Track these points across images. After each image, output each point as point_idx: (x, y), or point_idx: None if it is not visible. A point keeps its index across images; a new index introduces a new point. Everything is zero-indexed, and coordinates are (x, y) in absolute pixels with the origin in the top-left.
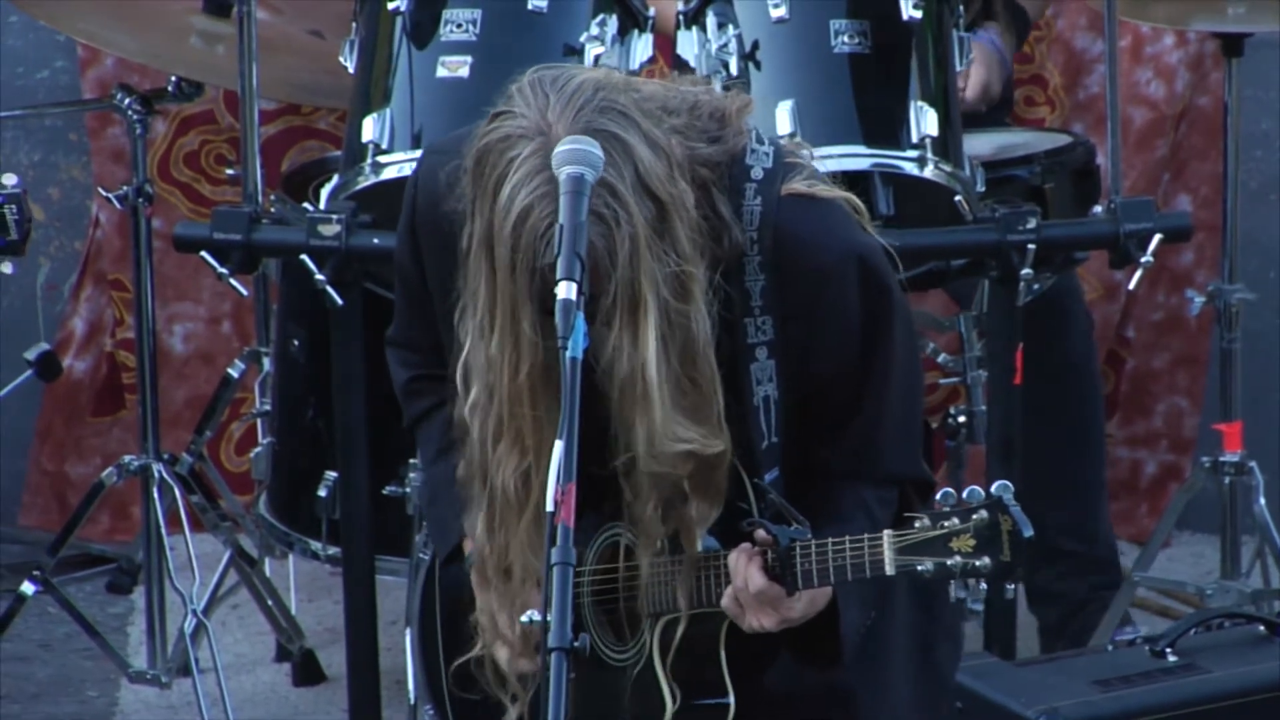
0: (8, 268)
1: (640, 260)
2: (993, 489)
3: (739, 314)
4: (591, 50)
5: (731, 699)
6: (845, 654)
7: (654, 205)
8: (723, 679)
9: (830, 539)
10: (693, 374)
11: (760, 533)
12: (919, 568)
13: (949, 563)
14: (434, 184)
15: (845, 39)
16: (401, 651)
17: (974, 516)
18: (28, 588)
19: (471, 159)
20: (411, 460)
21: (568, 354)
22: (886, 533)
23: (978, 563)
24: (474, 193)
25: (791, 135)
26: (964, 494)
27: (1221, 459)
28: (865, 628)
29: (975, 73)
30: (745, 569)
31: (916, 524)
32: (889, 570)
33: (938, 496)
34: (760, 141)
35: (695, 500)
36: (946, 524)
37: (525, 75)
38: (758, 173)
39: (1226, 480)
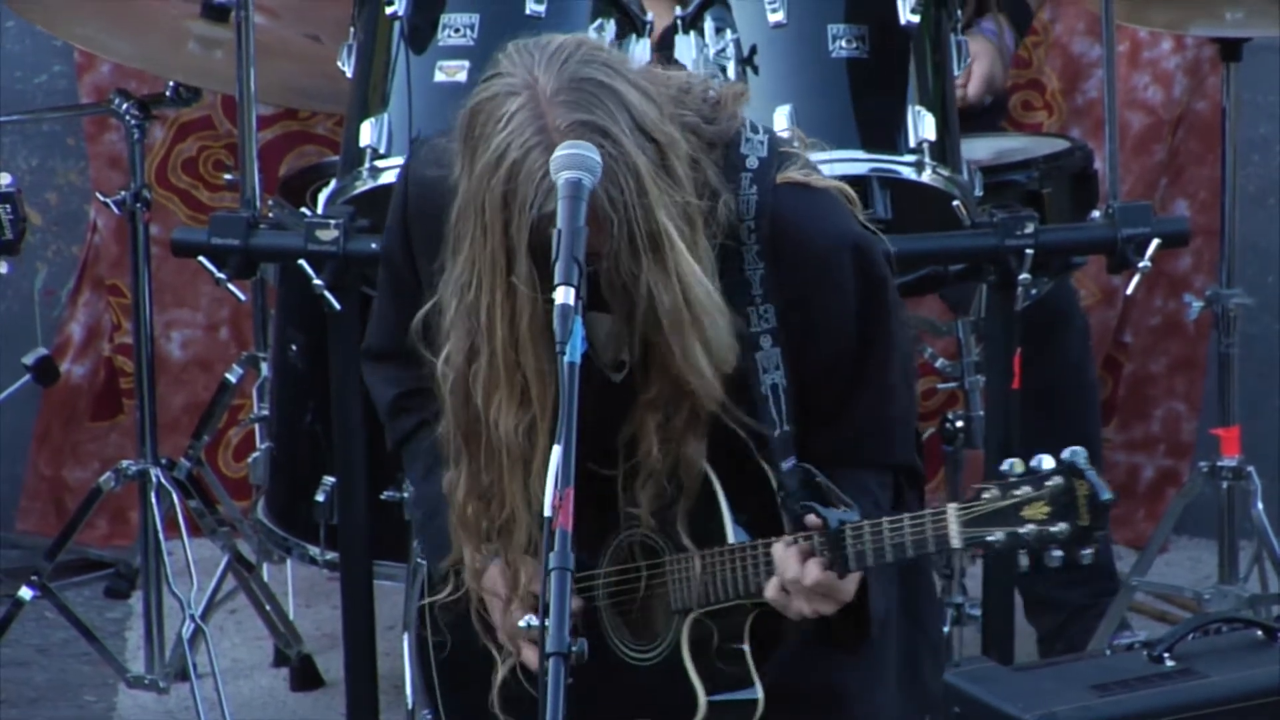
0: (3, 267)
1: (649, 195)
2: (1064, 455)
3: (741, 303)
4: None
5: (760, 693)
6: (873, 633)
7: (652, 145)
8: (749, 673)
9: (885, 518)
10: (719, 298)
11: (810, 517)
12: (989, 538)
13: (1021, 531)
14: (424, 174)
15: (843, 44)
16: (399, 656)
17: (1048, 483)
18: (25, 593)
19: (461, 123)
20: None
21: (565, 359)
22: (951, 506)
23: (1053, 529)
24: (463, 155)
25: None
26: (1031, 463)
27: (1219, 464)
28: (888, 610)
29: (978, 68)
30: (797, 563)
31: (985, 494)
32: (955, 544)
33: (1003, 466)
34: (755, 130)
35: (691, 437)
36: (1017, 493)
37: (508, 46)
38: (753, 162)
39: (1224, 485)
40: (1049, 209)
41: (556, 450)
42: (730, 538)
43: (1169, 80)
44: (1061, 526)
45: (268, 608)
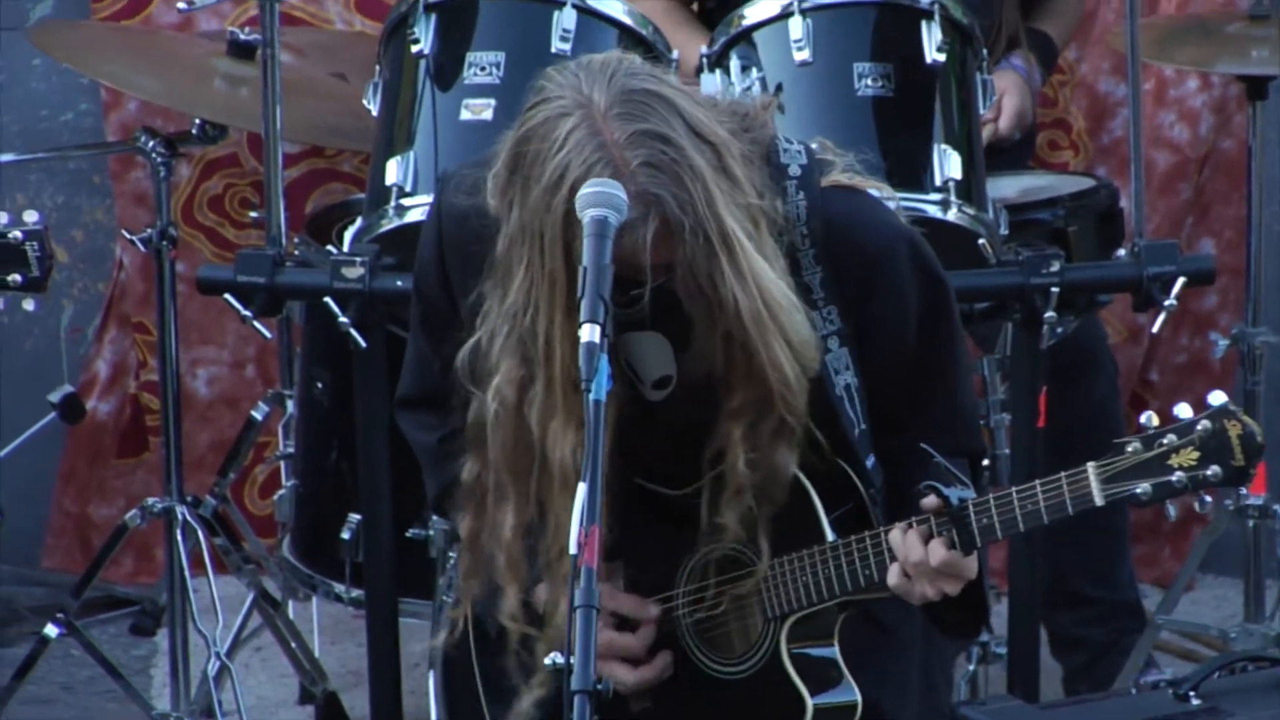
0: (30, 305)
1: (715, 198)
2: (1209, 399)
3: (804, 307)
4: None
5: (858, 694)
6: (988, 616)
7: (708, 147)
8: (843, 674)
9: (1013, 488)
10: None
11: (929, 499)
12: (1135, 490)
13: (1172, 479)
14: (457, 203)
15: (869, 82)
16: (425, 695)
17: (1198, 428)
18: (51, 630)
19: (509, 152)
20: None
21: (591, 396)
22: (1090, 465)
23: (1206, 473)
24: (512, 186)
25: None
26: (1172, 413)
27: (1245, 502)
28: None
29: (1008, 102)
30: (920, 545)
31: (1129, 449)
32: (1098, 501)
33: (1141, 419)
34: (790, 141)
35: (782, 446)
36: (1164, 441)
37: (541, 78)
38: (795, 170)
39: (1250, 523)
40: (1074, 247)
41: (582, 488)
42: (829, 536)
43: (1195, 118)
44: (1215, 469)
45: (293, 645)
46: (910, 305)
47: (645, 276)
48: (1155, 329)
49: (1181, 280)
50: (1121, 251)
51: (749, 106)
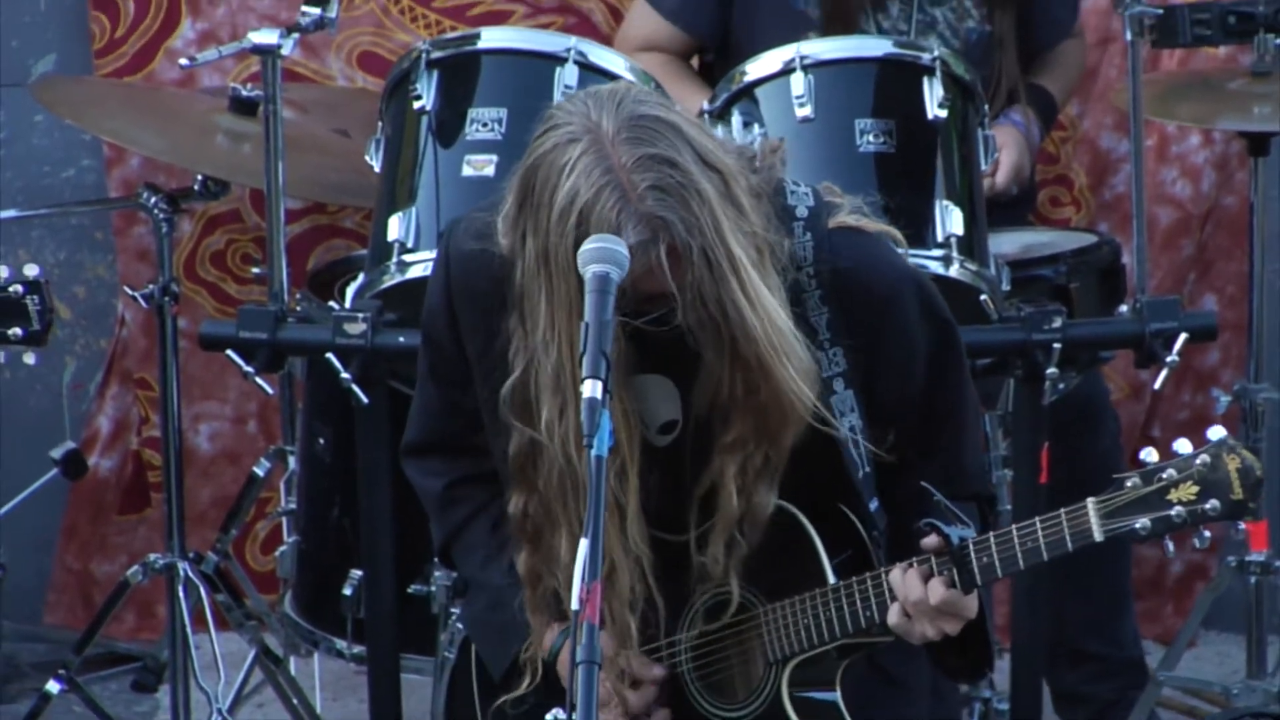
0: (30, 358)
1: (720, 221)
2: (1208, 434)
3: (809, 348)
4: None
5: None
6: (993, 658)
7: (715, 174)
8: (842, 716)
9: (1013, 526)
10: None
11: (929, 538)
12: (1135, 525)
13: (1171, 514)
14: (465, 248)
15: (870, 138)
16: None
17: (1197, 462)
18: (53, 686)
19: (518, 181)
20: (437, 559)
21: (593, 452)
22: (1090, 500)
23: (1205, 507)
24: (523, 216)
25: None
26: (1171, 448)
27: (1247, 558)
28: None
29: (1005, 157)
30: (920, 586)
31: (1128, 484)
32: (1098, 537)
33: (1141, 455)
34: (797, 184)
35: (762, 485)
36: (1163, 476)
37: (556, 103)
38: (802, 211)
39: (1252, 579)
40: (1076, 303)
41: (584, 544)
42: (830, 579)
43: (1197, 175)
44: (1214, 503)
45: (295, 701)
46: (918, 347)
47: (652, 304)
48: (1157, 385)
49: (1184, 336)
50: (1123, 308)
51: (756, 150)
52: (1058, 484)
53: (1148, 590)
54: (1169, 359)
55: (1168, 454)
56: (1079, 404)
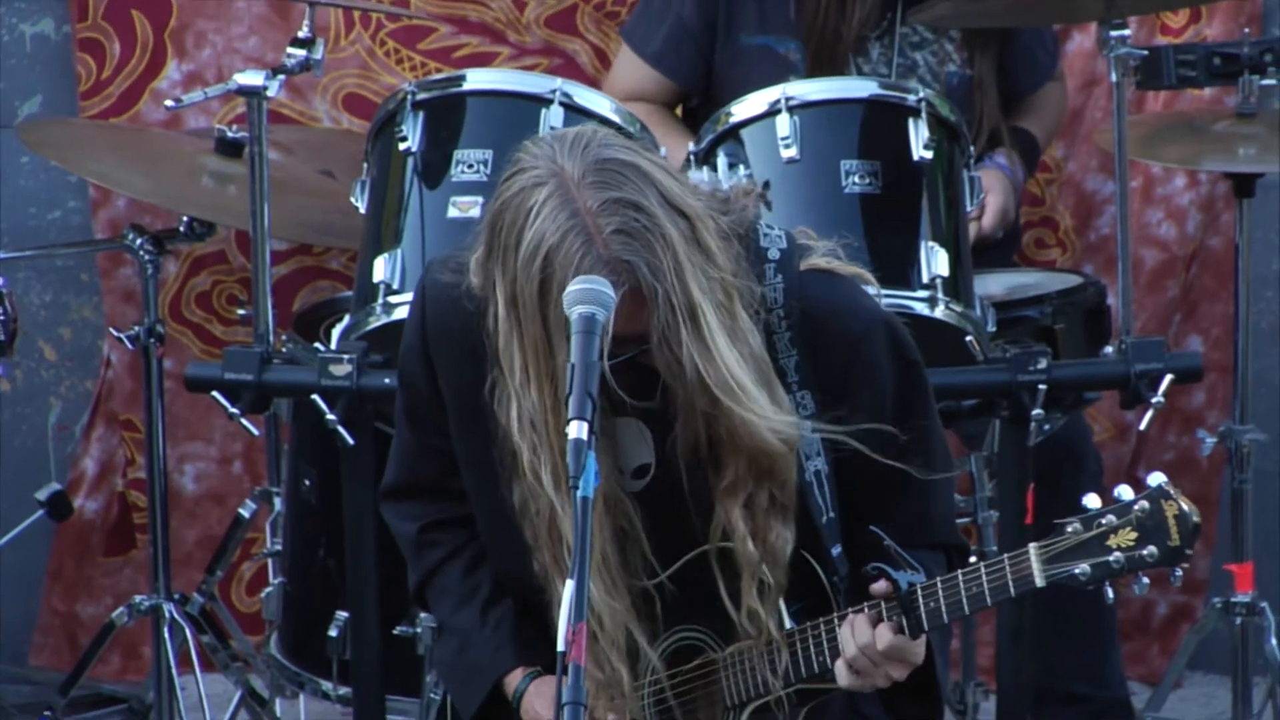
0: None
1: (684, 268)
2: (1148, 480)
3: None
4: None
5: None
6: (943, 699)
7: (682, 218)
8: None
9: (959, 570)
10: (763, 372)
11: (879, 583)
12: (1074, 571)
13: (1110, 560)
14: (440, 280)
15: (856, 179)
16: None
17: (1135, 508)
18: None
19: (486, 226)
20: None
21: (578, 494)
22: (1032, 545)
23: (1143, 553)
24: (492, 259)
25: None
26: (1113, 494)
27: (1233, 599)
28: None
29: (992, 201)
30: (868, 630)
31: (1069, 529)
32: (1039, 582)
33: (1083, 500)
34: (771, 226)
35: (776, 523)
36: (1102, 522)
37: (524, 144)
38: (774, 253)
39: (1238, 621)
40: (1062, 345)
41: (569, 585)
42: (786, 624)
43: (1182, 216)
44: (1151, 550)
45: None
46: (886, 389)
47: (622, 347)
48: (1143, 426)
49: (1169, 378)
50: (1109, 349)
51: (730, 192)
52: (1041, 525)
53: (1133, 631)
54: (1154, 400)
55: (1110, 500)
56: (1060, 446)
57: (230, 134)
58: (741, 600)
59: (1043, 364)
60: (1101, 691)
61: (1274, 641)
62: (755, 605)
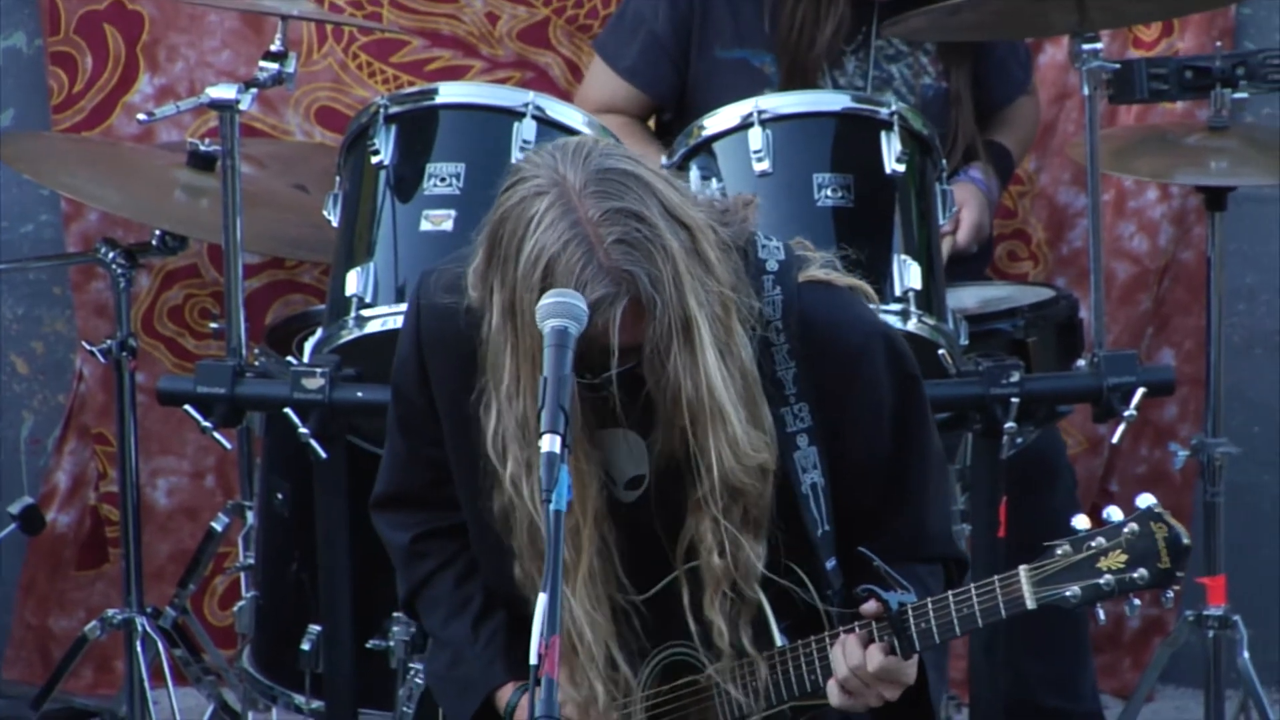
0: None
1: (682, 280)
2: (1138, 502)
3: (775, 405)
4: None
5: None
6: (937, 716)
7: (683, 229)
8: None
9: (949, 592)
10: (748, 389)
11: (869, 604)
12: (1066, 594)
13: (1100, 582)
14: (437, 301)
15: (828, 192)
16: None
17: (1125, 531)
18: None
19: (486, 235)
20: (395, 614)
21: (551, 507)
22: (1022, 568)
23: (1134, 575)
24: (492, 269)
25: None
26: (1102, 515)
27: (1205, 613)
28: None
29: (967, 215)
30: (859, 651)
31: (1059, 551)
32: (1029, 604)
33: (1072, 521)
34: (769, 238)
35: (748, 539)
36: (1092, 544)
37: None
38: (773, 265)
39: (1210, 634)
40: (1034, 358)
41: (542, 598)
42: (777, 641)
43: (1155, 229)
44: (1141, 572)
45: None
46: (885, 402)
47: (613, 359)
48: (1115, 439)
49: (1141, 391)
50: (1081, 362)
51: (728, 203)
52: (1013, 539)
53: (1106, 644)
54: (1127, 413)
55: (1099, 521)
56: (1033, 459)
57: (203, 147)
58: (703, 613)
59: (1015, 377)
60: (1074, 704)
61: (1246, 655)
62: (716, 619)
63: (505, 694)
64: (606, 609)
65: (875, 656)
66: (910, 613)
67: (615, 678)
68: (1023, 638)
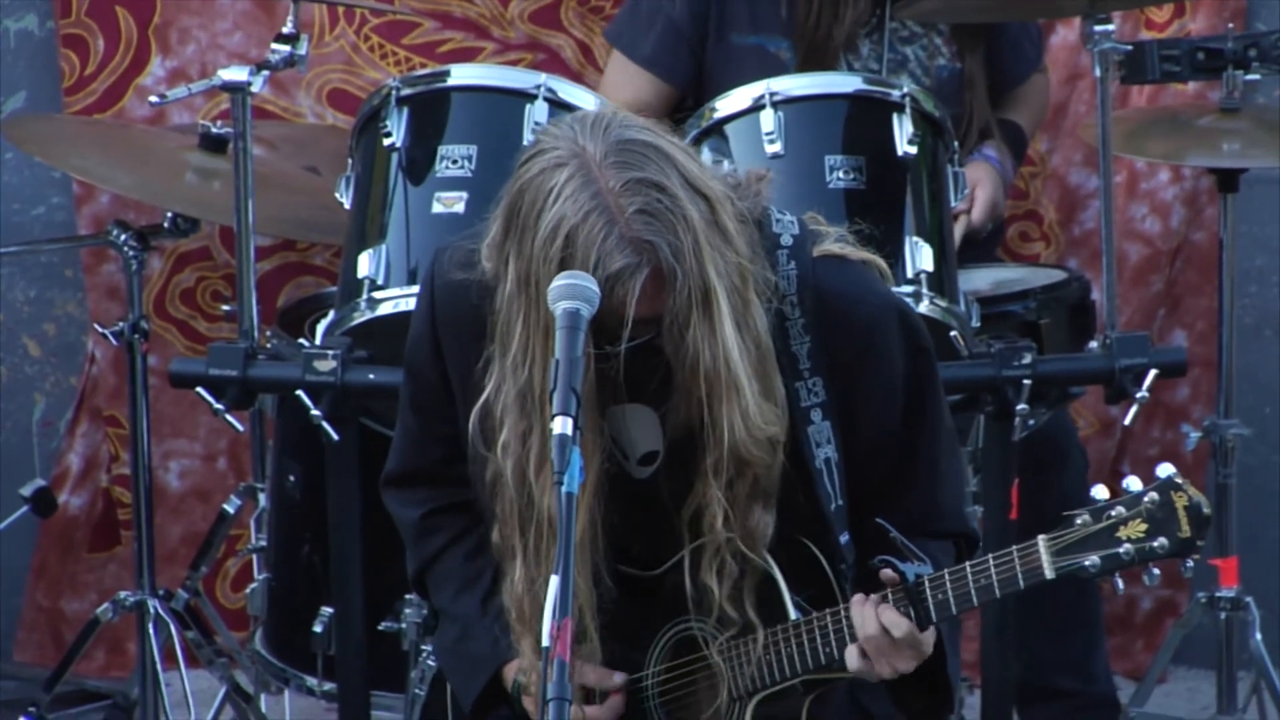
0: None
1: (703, 250)
2: (1157, 471)
3: (790, 379)
4: None
5: None
6: (955, 698)
7: (702, 200)
8: None
9: (967, 562)
10: (762, 362)
11: (886, 571)
12: (1085, 563)
13: (1120, 551)
14: (451, 278)
15: (840, 175)
16: None
17: (1145, 500)
18: None
19: (505, 205)
20: (407, 596)
21: (563, 489)
22: (1041, 537)
23: (1154, 544)
24: (509, 239)
25: None
26: (1122, 485)
27: (1217, 594)
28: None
29: (981, 194)
30: (882, 615)
31: (1078, 521)
32: (1048, 574)
33: (1091, 491)
34: (782, 213)
35: (756, 508)
36: (1112, 514)
37: (545, 125)
38: (787, 239)
39: (1223, 615)
40: (1046, 340)
41: (554, 580)
42: (791, 615)
43: (1167, 211)
44: (1162, 541)
45: None
46: (898, 375)
47: (630, 329)
48: (1127, 421)
49: (1153, 372)
50: (1093, 344)
51: (742, 177)
52: (1024, 520)
53: (1118, 626)
54: (1139, 395)
55: (1118, 491)
56: (1045, 441)
57: (214, 130)
58: (699, 574)
59: (1027, 359)
60: (1087, 686)
61: (1258, 636)
62: (712, 582)
63: (512, 670)
64: (589, 576)
65: (902, 623)
66: (927, 584)
67: (618, 649)
68: (1035, 619)
